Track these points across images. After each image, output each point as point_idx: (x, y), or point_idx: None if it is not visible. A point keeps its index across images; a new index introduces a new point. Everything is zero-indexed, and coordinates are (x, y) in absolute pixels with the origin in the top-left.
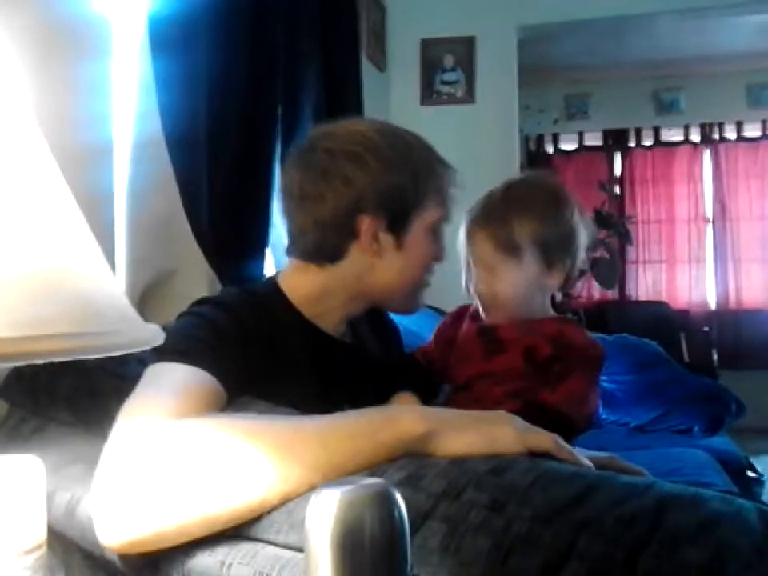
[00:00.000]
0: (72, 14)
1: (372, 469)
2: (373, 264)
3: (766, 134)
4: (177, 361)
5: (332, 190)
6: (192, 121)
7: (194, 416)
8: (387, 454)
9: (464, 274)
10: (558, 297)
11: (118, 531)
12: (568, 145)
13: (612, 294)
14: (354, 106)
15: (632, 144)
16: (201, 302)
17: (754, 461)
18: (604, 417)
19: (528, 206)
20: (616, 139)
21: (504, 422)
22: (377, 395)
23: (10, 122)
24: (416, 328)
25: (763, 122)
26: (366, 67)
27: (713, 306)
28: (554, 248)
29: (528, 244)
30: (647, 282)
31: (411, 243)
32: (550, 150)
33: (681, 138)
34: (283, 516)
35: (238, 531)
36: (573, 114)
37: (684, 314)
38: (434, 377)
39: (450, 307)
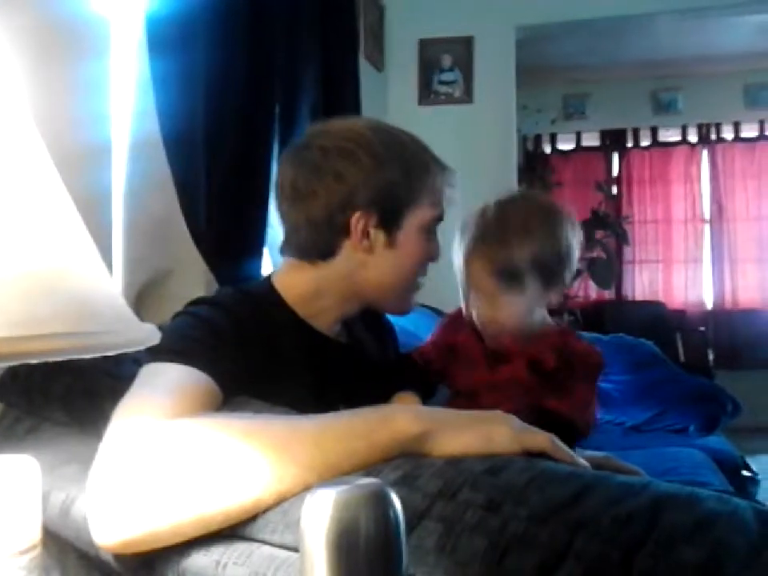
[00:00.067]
0: (70, 13)
1: (368, 469)
2: (365, 261)
3: (764, 135)
4: (172, 361)
5: (324, 187)
6: (189, 121)
7: (189, 416)
8: (383, 453)
9: (462, 296)
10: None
11: (112, 531)
12: (566, 145)
13: (609, 293)
14: (352, 105)
15: (629, 144)
16: (196, 302)
17: (749, 460)
18: (600, 416)
19: (525, 228)
20: (614, 139)
21: (500, 421)
22: (372, 395)
23: (7, 121)
24: (413, 328)
25: (760, 122)
26: (364, 67)
27: (709, 305)
28: (554, 268)
29: (528, 268)
30: (644, 282)
31: (403, 241)
32: (548, 150)
33: (678, 138)
34: (278, 516)
35: (233, 531)
36: (570, 114)
37: (680, 313)
38: (431, 377)
39: (446, 307)
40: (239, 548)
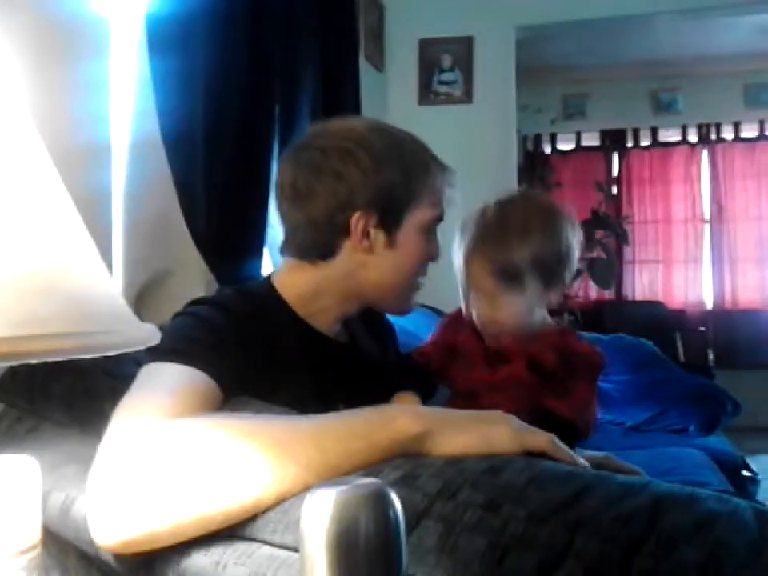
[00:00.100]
0: (70, 13)
1: (368, 469)
2: (364, 261)
3: (764, 135)
4: (172, 361)
5: (324, 187)
6: (189, 121)
7: (189, 416)
8: (383, 453)
9: (462, 296)
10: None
11: (112, 531)
12: (565, 145)
13: (609, 293)
14: (352, 105)
15: (629, 144)
16: (196, 302)
17: (749, 460)
18: (600, 416)
19: (525, 228)
20: (614, 139)
21: (500, 421)
22: (372, 395)
23: (7, 121)
24: (413, 328)
25: (760, 122)
26: (364, 67)
27: (709, 305)
28: (554, 268)
29: (528, 268)
30: (644, 282)
31: (403, 241)
32: (548, 150)
33: (678, 138)
34: (278, 516)
35: (233, 531)
36: (570, 114)
37: (680, 313)
38: (431, 377)
39: (446, 307)
40: (239, 548)
